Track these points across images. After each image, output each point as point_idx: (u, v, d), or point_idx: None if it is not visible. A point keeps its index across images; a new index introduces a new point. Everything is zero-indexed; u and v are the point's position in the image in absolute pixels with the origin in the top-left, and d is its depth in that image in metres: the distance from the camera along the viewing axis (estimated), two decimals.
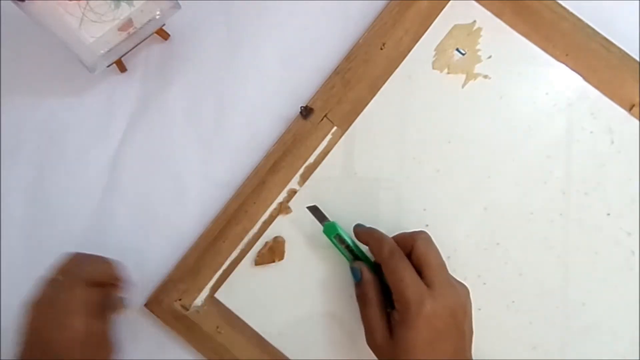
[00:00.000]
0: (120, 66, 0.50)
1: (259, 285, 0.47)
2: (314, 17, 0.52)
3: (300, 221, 0.48)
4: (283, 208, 0.48)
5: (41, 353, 0.40)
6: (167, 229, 0.49)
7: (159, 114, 0.51)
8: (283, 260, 0.47)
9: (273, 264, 0.47)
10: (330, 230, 0.45)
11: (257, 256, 0.47)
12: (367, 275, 0.44)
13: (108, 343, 0.42)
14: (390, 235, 0.44)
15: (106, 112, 0.51)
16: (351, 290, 0.47)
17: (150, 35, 0.49)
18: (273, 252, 0.47)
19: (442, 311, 0.40)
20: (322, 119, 0.49)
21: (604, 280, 0.47)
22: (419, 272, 0.42)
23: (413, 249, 0.42)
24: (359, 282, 0.44)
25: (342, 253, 0.46)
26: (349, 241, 0.46)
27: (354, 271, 0.45)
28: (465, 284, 0.44)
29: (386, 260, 0.42)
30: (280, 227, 0.48)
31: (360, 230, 0.46)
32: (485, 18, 0.50)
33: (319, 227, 0.46)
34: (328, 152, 0.49)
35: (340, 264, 0.47)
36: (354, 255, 0.46)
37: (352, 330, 0.47)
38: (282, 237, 0.48)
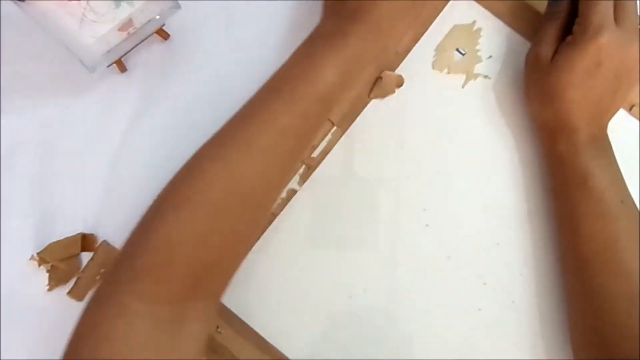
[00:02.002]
0: (120, 66, 0.50)
1: (259, 285, 0.47)
2: (314, 17, 0.51)
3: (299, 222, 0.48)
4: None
5: None
6: None
7: (159, 114, 0.51)
8: (283, 260, 0.47)
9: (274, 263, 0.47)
10: None
11: None
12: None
13: None
14: None
15: (106, 112, 0.51)
16: (351, 292, 0.47)
17: (150, 35, 0.49)
18: None
19: (616, 52, 0.40)
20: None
21: None
22: (616, 12, 0.41)
23: None
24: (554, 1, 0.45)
25: None
26: None
27: None
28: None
29: None
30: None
31: None
32: (485, 18, 0.50)
33: (318, 226, 0.46)
34: (328, 152, 0.49)
35: (340, 264, 0.47)
36: None
37: (353, 329, 0.47)
38: None
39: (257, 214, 0.40)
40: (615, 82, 0.42)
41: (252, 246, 0.45)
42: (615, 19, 0.41)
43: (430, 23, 0.49)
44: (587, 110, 0.42)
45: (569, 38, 0.42)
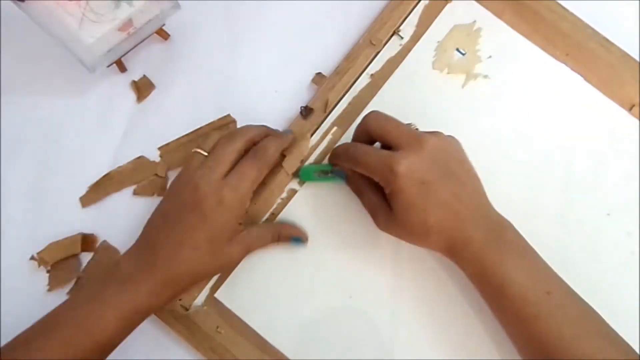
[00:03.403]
0: (120, 66, 0.50)
1: (259, 285, 0.47)
2: (314, 17, 0.52)
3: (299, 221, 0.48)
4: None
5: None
6: None
7: (159, 114, 0.51)
8: (283, 260, 0.47)
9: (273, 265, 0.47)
10: (307, 174, 0.47)
11: None
12: (350, 170, 0.45)
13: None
14: None
15: (106, 112, 0.51)
16: (352, 291, 0.47)
17: (150, 35, 0.49)
18: None
19: (420, 164, 0.40)
20: (322, 119, 0.49)
21: (604, 280, 0.47)
22: (388, 147, 0.42)
23: (368, 130, 0.43)
24: (347, 180, 0.46)
25: (329, 180, 0.47)
26: (325, 167, 0.47)
27: (337, 173, 0.46)
28: (449, 133, 0.43)
29: (349, 154, 0.43)
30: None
31: (332, 154, 0.46)
32: (485, 18, 0.50)
33: (318, 226, 0.46)
34: (328, 152, 0.49)
35: (340, 264, 0.47)
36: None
37: (353, 329, 0.47)
38: None
39: None
40: (446, 177, 0.41)
41: None
42: (395, 149, 0.41)
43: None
44: (453, 221, 0.40)
45: (386, 192, 0.41)
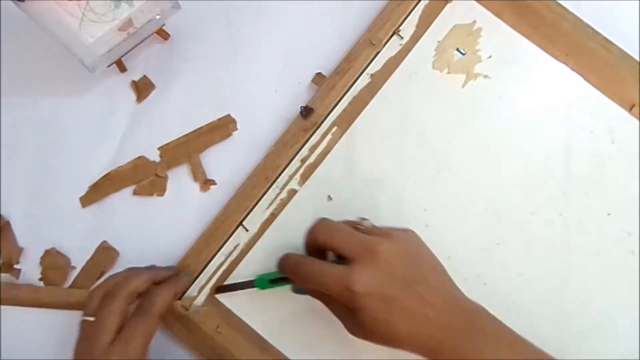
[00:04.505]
0: (120, 66, 0.50)
1: None
2: (314, 17, 0.52)
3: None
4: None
5: None
6: (166, 229, 0.49)
7: (159, 114, 0.51)
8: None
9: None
10: (263, 282, 0.45)
11: None
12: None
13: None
14: None
15: (106, 112, 0.51)
16: None
17: (150, 35, 0.49)
18: None
19: (377, 278, 0.38)
20: (322, 119, 0.49)
21: (604, 280, 0.47)
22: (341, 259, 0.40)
23: (317, 243, 0.41)
24: (309, 294, 0.44)
25: (285, 285, 0.45)
26: (278, 275, 0.45)
27: (299, 291, 0.44)
28: (409, 228, 0.42)
29: (301, 274, 0.41)
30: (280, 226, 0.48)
31: (281, 267, 0.44)
32: (485, 18, 0.50)
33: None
34: (328, 152, 0.49)
35: None
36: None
37: None
38: None
39: None
40: (411, 285, 0.39)
41: None
42: (348, 262, 0.39)
43: None
44: (423, 326, 0.39)
45: (350, 307, 0.39)
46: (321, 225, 0.42)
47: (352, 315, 0.40)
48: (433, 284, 0.40)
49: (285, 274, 0.43)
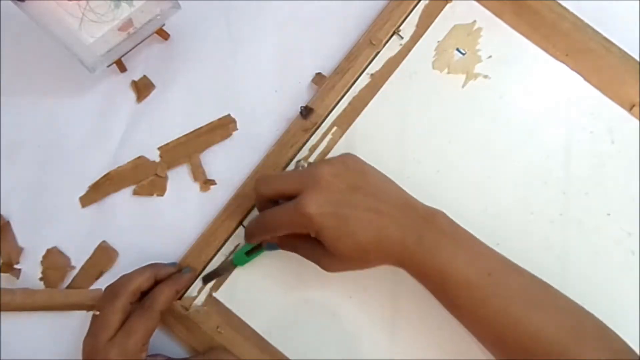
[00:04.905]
0: (120, 66, 0.50)
1: (259, 285, 0.47)
2: (314, 17, 0.52)
3: None
4: None
5: None
6: (166, 229, 0.49)
7: (159, 114, 0.51)
8: (283, 259, 0.47)
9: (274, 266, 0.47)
10: (240, 259, 0.47)
11: None
12: (275, 238, 0.45)
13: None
14: None
15: (106, 112, 0.51)
16: (352, 291, 0.47)
17: (150, 35, 0.49)
18: None
19: (324, 197, 0.40)
20: (322, 119, 0.49)
21: (603, 280, 0.47)
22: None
23: (263, 197, 0.43)
24: (280, 247, 0.45)
25: (260, 252, 0.47)
26: (251, 246, 0.46)
27: (269, 247, 0.46)
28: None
29: (260, 227, 0.43)
30: None
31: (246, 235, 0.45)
32: (485, 18, 0.50)
33: None
34: (328, 152, 0.49)
35: None
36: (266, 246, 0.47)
37: (353, 329, 0.47)
38: None
39: None
40: (360, 197, 0.40)
41: None
42: (297, 194, 0.40)
43: None
44: (382, 233, 0.40)
45: (313, 237, 0.41)
46: (261, 179, 0.43)
47: (319, 246, 0.41)
48: (382, 193, 0.42)
49: (252, 240, 0.45)
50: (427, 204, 0.48)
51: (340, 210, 0.40)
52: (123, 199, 0.50)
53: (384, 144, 0.49)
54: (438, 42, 0.50)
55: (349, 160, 0.43)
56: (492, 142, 0.49)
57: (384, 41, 0.50)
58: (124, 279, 0.44)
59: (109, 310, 0.42)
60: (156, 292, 0.44)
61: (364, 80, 0.50)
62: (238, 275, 0.48)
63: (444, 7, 0.50)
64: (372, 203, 0.41)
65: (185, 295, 0.47)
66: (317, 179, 0.40)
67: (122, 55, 0.49)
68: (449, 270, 0.40)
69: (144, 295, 0.44)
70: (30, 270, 0.48)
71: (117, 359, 0.41)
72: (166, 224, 0.49)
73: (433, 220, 0.41)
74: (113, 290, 0.43)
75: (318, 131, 0.49)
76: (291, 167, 0.48)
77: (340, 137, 0.49)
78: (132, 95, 0.51)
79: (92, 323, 0.43)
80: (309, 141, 0.49)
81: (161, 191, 0.49)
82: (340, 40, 0.51)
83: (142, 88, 0.51)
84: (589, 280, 0.48)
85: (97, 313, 0.42)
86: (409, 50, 0.50)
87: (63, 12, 0.44)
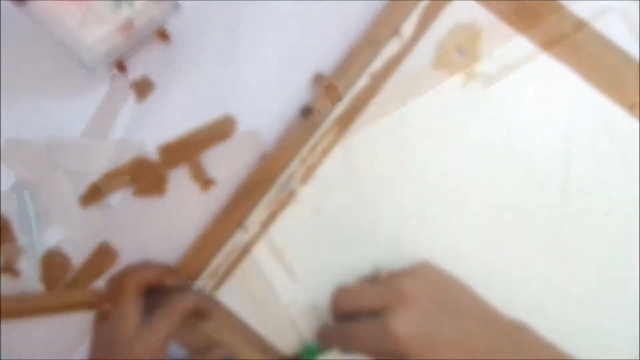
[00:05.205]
0: (120, 66, 0.50)
1: (259, 285, 0.47)
2: (314, 17, 0.52)
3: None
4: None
5: None
6: (166, 229, 0.49)
7: (159, 114, 0.51)
8: (283, 259, 0.47)
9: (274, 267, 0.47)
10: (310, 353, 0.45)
11: None
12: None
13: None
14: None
15: (106, 112, 0.51)
16: None
17: (150, 36, 0.49)
18: None
19: (413, 317, 0.38)
20: (322, 119, 0.49)
21: (604, 280, 0.47)
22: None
23: (343, 312, 0.42)
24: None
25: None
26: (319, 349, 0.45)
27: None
28: (422, 261, 0.42)
29: (340, 340, 0.41)
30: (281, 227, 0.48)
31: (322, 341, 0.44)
32: (485, 18, 0.50)
33: (318, 226, 0.46)
34: (328, 152, 0.49)
35: (340, 264, 0.47)
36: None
37: None
38: None
39: None
40: (448, 316, 0.39)
41: None
42: (380, 311, 0.39)
43: None
44: (470, 354, 0.39)
45: None
46: (341, 293, 0.42)
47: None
48: (468, 309, 0.40)
49: (327, 346, 0.43)
50: (427, 203, 0.48)
51: (428, 331, 0.38)
52: (123, 199, 0.50)
53: (384, 144, 0.49)
54: (438, 42, 0.50)
55: (433, 274, 0.42)
56: (492, 143, 0.49)
57: (384, 41, 0.50)
58: (133, 272, 0.44)
59: (128, 304, 0.42)
60: (184, 298, 0.44)
61: (364, 80, 0.50)
62: (238, 275, 0.48)
63: (444, 7, 0.50)
64: (459, 324, 0.39)
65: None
66: (402, 296, 0.39)
67: (122, 56, 0.49)
68: None
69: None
70: (30, 270, 0.48)
71: (142, 353, 0.40)
72: (166, 224, 0.49)
73: (518, 334, 0.41)
74: (124, 282, 0.43)
75: (318, 131, 0.49)
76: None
77: (340, 137, 0.49)
78: (132, 95, 0.51)
79: (105, 316, 0.42)
80: (309, 141, 0.49)
81: (161, 191, 0.50)
82: (340, 40, 0.51)
83: (142, 88, 0.51)
84: (589, 281, 0.48)
85: (110, 306, 0.42)
86: (409, 50, 0.50)
87: (63, 12, 0.44)
